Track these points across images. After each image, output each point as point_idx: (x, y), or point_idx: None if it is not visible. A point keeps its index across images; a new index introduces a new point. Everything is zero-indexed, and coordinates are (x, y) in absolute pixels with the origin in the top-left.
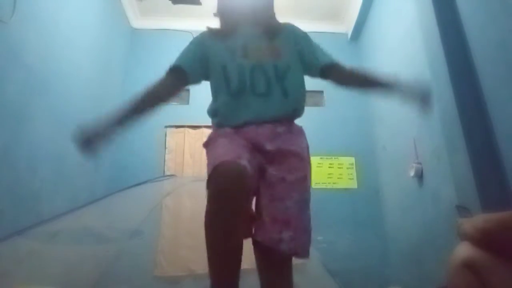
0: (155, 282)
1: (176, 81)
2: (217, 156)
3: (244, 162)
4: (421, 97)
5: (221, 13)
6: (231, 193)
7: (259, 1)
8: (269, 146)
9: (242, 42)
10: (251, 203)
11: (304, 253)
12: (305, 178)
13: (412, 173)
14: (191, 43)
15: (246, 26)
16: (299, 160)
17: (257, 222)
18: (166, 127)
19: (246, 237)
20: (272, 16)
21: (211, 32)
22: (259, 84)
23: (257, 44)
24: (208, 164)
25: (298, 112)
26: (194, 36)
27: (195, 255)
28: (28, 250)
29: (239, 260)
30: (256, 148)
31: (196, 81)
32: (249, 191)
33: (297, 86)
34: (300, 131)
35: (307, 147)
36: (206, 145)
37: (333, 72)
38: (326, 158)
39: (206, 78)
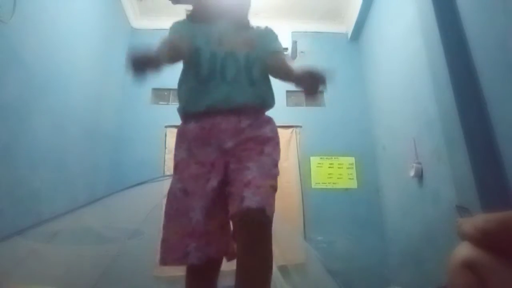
0: (155, 282)
1: (179, 48)
2: (170, 243)
3: (214, 250)
4: (310, 83)
5: (196, 3)
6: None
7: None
8: (229, 144)
9: (219, 30)
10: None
11: (269, 209)
12: (262, 151)
13: (412, 173)
14: (172, 26)
15: (221, 17)
16: (261, 143)
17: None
18: (166, 127)
19: (231, 258)
20: (247, 13)
21: (190, 18)
22: (229, 72)
23: (232, 34)
24: (167, 236)
25: (266, 104)
26: None
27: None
28: (28, 250)
29: None
30: (217, 151)
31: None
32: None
33: (264, 78)
34: (266, 121)
35: (275, 132)
36: (174, 167)
37: (273, 59)
38: (326, 158)
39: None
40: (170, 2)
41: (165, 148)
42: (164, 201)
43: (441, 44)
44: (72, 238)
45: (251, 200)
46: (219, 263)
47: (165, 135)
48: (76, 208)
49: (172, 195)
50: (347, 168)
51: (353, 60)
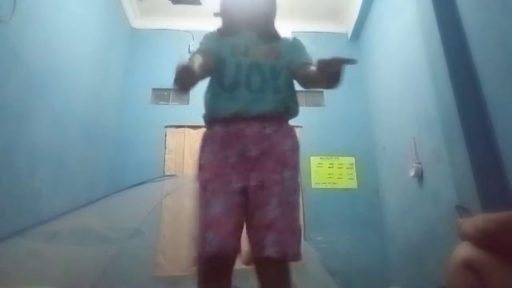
0: (155, 282)
1: (210, 57)
2: (205, 236)
3: (230, 246)
4: (332, 71)
5: (223, 16)
6: (218, 278)
7: (259, 8)
8: (253, 151)
9: (244, 41)
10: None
11: (292, 255)
12: (283, 180)
13: (412, 173)
14: (203, 38)
15: (248, 29)
16: (282, 163)
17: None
18: (166, 127)
19: (248, 263)
20: (273, 24)
21: (218, 30)
22: (255, 82)
23: (257, 45)
24: (197, 237)
25: (290, 111)
26: (194, 36)
27: None
28: (28, 250)
29: None
30: (240, 156)
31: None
32: (233, 264)
33: (288, 87)
34: (289, 132)
35: (296, 148)
36: (199, 167)
37: (303, 71)
38: (326, 158)
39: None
40: (170, 2)
41: (165, 148)
42: (164, 201)
43: (441, 44)
44: (72, 238)
45: (271, 249)
46: (232, 260)
47: (165, 135)
48: (76, 208)
49: (198, 196)
50: (347, 168)
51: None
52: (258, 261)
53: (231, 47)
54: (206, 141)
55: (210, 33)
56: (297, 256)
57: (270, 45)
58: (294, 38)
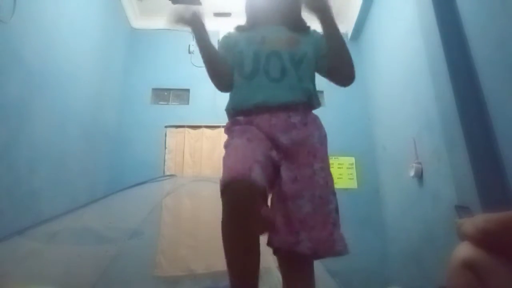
0: (155, 282)
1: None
2: (229, 166)
3: (254, 174)
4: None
5: (246, 10)
6: (242, 208)
7: (284, 3)
8: (283, 139)
9: (262, 32)
10: (267, 202)
11: (329, 251)
12: (314, 173)
13: (412, 173)
14: (221, 39)
15: (271, 23)
16: (311, 155)
17: (271, 228)
18: (166, 127)
19: (262, 233)
20: (298, 16)
21: (236, 28)
22: (274, 69)
23: (276, 34)
24: (222, 172)
25: (313, 101)
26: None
27: (195, 255)
28: (28, 250)
29: (257, 261)
30: (271, 141)
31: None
32: (259, 202)
33: (310, 77)
34: (315, 121)
35: (324, 139)
36: (225, 146)
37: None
38: None
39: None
40: (170, 2)
41: (165, 148)
42: (164, 201)
43: (441, 44)
44: (72, 238)
45: (306, 245)
46: (259, 198)
47: (165, 135)
48: (76, 208)
49: (232, 142)
50: (347, 168)
51: (353, 60)
52: (290, 254)
53: (247, 39)
54: (230, 130)
55: (228, 33)
56: (337, 252)
57: (290, 34)
58: (319, 34)
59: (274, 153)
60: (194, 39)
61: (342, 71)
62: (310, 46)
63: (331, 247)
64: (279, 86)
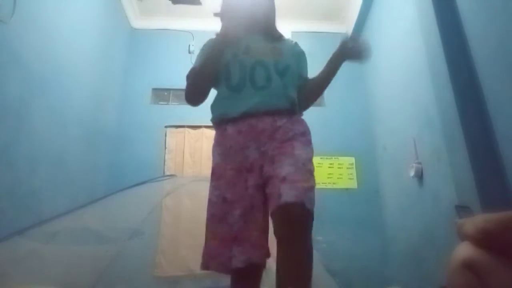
0: (155, 282)
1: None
2: (213, 250)
3: (258, 254)
4: (359, 50)
5: (223, 20)
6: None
7: (259, 10)
8: (267, 146)
9: (245, 43)
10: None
11: (308, 202)
12: (293, 148)
13: (412, 173)
14: (203, 47)
15: (249, 31)
16: (290, 141)
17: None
18: (166, 127)
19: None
20: (273, 25)
21: (217, 36)
22: (260, 78)
23: (259, 45)
24: (203, 251)
25: (295, 108)
26: (194, 36)
27: (195, 255)
28: (28, 250)
29: None
30: (255, 150)
31: (215, 78)
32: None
33: (294, 87)
34: (299, 121)
35: (306, 132)
36: (208, 195)
37: (305, 86)
38: (326, 158)
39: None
40: (170, 2)
41: (165, 148)
42: (164, 201)
43: (441, 44)
44: (72, 238)
45: (288, 195)
46: (262, 266)
47: (165, 135)
48: (76, 208)
49: (211, 203)
50: (347, 168)
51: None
52: (277, 212)
53: (231, 50)
54: (217, 143)
55: (210, 40)
56: (312, 204)
57: (271, 43)
58: (297, 45)
59: (256, 183)
60: (215, 50)
61: (312, 100)
62: (292, 58)
63: (311, 198)
64: (266, 93)
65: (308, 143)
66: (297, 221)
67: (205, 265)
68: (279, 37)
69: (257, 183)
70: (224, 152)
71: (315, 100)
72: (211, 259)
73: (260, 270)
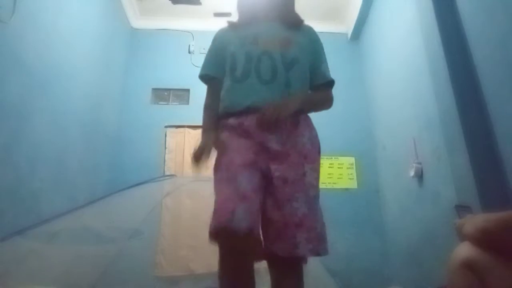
0: (155, 282)
1: (217, 86)
2: (219, 207)
3: (245, 224)
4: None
5: (239, 8)
6: (236, 258)
7: None
8: (272, 143)
9: (255, 31)
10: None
11: (324, 250)
12: (305, 174)
13: (412, 173)
14: (212, 41)
15: (264, 19)
16: (302, 156)
17: (266, 238)
18: (166, 127)
19: (259, 260)
20: (292, 11)
21: (229, 25)
22: (265, 70)
23: (268, 34)
24: (212, 214)
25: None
26: (194, 36)
27: (195, 255)
28: (28, 250)
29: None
30: (259, 145)
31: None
32: (250, 246)
33: (301, 81)
34: (306, 121)
35: (314, 139)
36: (215, 166)
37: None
38: (326, 158)
39: None
40: (170, 2)
41: (165, 148)
42: (164, 201)
43: (441, 44)
44: (72, 238)
45: (305, 247)
46: (258, 242)
47: (165, 135)
48: (76, 208)
49: (220, 168)
50: (347, 168)
51: (353, 60)
52: (291, 260)
53: (239, 39)
54: (223, 129)
55: (221, 30)
56: (327, 251)
57: (283, 33)
58: (312, 30)
59: (262, 157)
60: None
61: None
62: (303, 50)
63: (326, 247)
64: (269, 89)
65: (316, 152)
66: (300, 269)
67: (213, 228)
68: (297, 25)
69: (262, 172)
70: (230, 134)
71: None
72: (218, 218)
73: (252, 245)
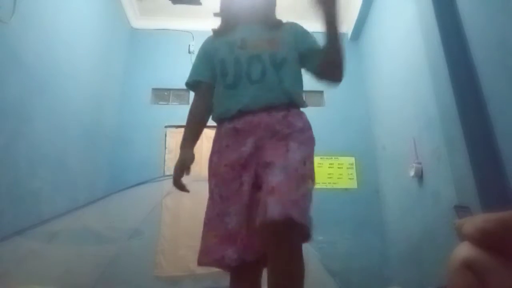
0: (155, 282)
1: (205, 92)
2: (207, 249)
3: (234, 261)
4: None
5: (222, 12)
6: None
7: (259, 1)
8: (263, 142)
9: (241, 35)
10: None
11: (299, 216)
12: (287, 151)
13: (412, 173)
14: (199, 49)
15: (247, 23)
16: (287, 140)
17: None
18: (166, 127)
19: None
20: (272, 13)
21: (214, 32)
22: (255, 72)
23: (255, 36)
24: (200, 248)
25: (295, 101)
26: (194, 36)
27: (195, 255)
28: (28, 250)
29: None
30: (253, 146)
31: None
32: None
33: (293, 79)
34: (299, 115)
35: (305, 128)
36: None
37: (318, 58)
38: (326, 158)
39: None
40: (170, 2)
41: (165, 148)
42: (164, 201)
43: (441, 44)
44: (72, 238)
45: (273, 210)
46: (258, 264)
47: (165, 135)
48: (76, 208)
49: (210, 199)
50: (347, 168)
51: (353, 60)
52: (261, 229)
53: (227, 45)
54: (214, 141)
55: (206, 40)
56: (305, 218)
57: (268, 34)
58: (294, 24)
59: (247, 186)
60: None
61: (332, 72)
62: (290, 48)
63: (303, 214)
64: (260, 87)
65: (306, 140)
66: (282, 239)
67: (199, 261)
68: (278, 25)
69: (252, 181)
70: (220, 150)
71: (337, 65)
72: (205, 256)
73: (258, 267)
